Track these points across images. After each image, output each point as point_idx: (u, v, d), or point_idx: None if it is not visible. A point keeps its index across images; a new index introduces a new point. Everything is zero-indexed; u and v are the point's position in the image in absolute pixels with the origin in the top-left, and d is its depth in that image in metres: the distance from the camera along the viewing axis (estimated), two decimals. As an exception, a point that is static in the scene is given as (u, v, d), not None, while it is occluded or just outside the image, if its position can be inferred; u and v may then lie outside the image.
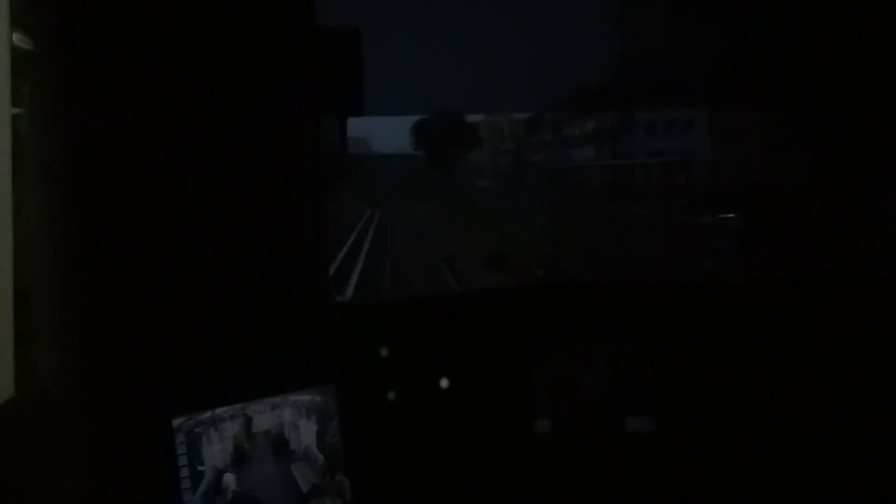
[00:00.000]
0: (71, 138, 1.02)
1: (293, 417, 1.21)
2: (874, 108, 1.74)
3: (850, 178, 1.81)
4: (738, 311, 1.51)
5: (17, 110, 1.02)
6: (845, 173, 1.82)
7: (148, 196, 1.13)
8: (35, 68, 1.00)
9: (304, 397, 1.23)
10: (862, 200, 1.80)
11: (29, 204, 1.00)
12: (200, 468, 1.11)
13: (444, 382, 1.46)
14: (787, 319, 1.48)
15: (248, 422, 1.17)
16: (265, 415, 1.19)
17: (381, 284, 9.08)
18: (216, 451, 1.13)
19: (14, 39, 0.99)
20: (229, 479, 1.13)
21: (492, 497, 1.44)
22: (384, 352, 1.43)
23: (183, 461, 1.09)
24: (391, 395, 1.43)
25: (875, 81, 1.69)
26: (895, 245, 1.91)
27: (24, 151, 1.01)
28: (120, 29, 1.07)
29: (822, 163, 1.96)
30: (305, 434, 1.22)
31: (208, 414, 1.13)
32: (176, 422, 1.10)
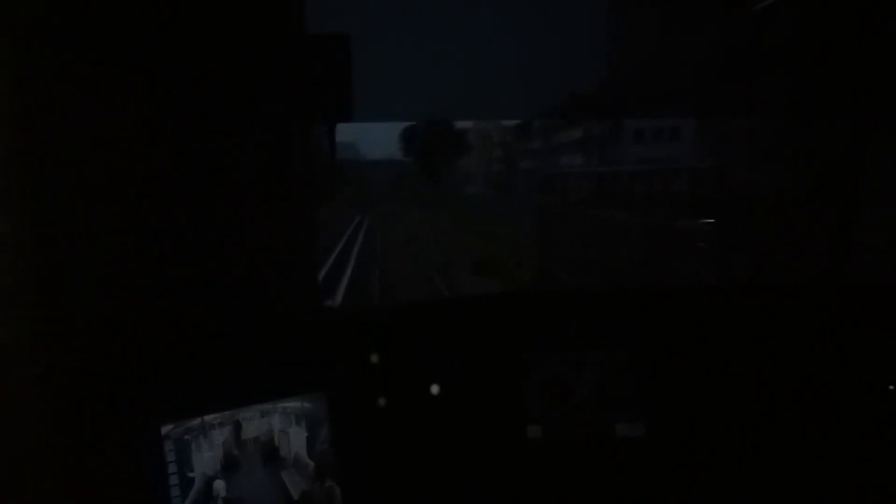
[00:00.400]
0: (67, 139, 1.02)
1: (283, 424, 1.21)
2: (865, 114, 1.76)
3: (840, 184, 1.82)
4: (729, 317, 1.52)
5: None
6: (835, 179, 1.84)
7: (136, 200, 1.13)
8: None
9: (294, 404, 1.23)
10: (852, 206, 1.81)
11: (11, 202, 0.99)
12: (190, 475, 1.10)
13: (435, 388, 1.46)
14: (778, 325, 1.49)
15: (238, 429, 1.16)
16: (255, 422, 1.18)
17: (371, 290, 9.06)
18: (206, 458, 1.12)
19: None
20: (219, 486, 1.13)
21: (484, 503, 1.44)
22: (374, 358, 1.43)
23: (172, 468, 1.09)
24: (381, 402, 1.42)
25: (866, 88, 1.70)
26: (885, 250, 1.93)
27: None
28: (107, 34, 1.07)
29: (811, 169, 1.98)
30: (295, 441, 1.22)
31: (197, 421, 1.12)
32: (165, 429, 1.09)
